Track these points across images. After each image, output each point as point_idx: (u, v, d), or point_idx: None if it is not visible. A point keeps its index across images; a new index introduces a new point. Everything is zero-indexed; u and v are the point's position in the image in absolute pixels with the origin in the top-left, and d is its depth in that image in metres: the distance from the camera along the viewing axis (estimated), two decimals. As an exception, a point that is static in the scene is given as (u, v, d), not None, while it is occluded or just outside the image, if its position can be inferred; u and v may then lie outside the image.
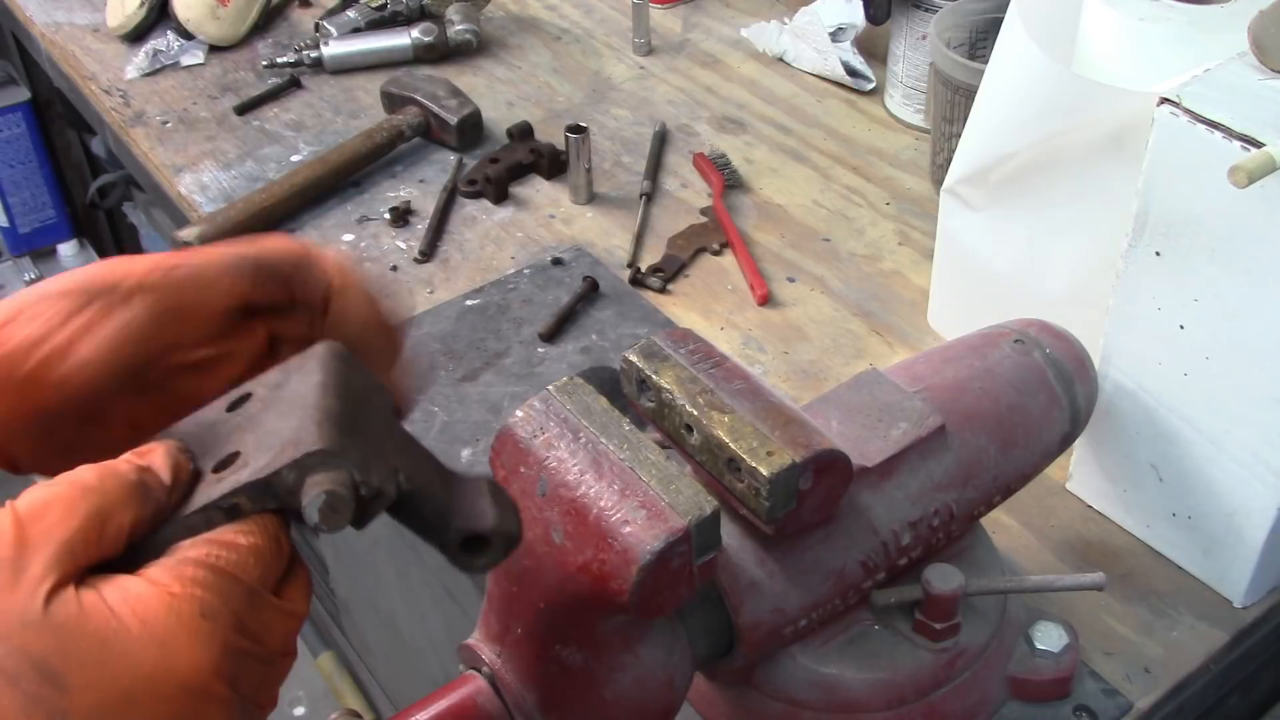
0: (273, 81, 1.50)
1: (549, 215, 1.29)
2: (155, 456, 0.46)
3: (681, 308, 1.17)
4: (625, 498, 0.61)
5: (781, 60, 1.52)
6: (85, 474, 0.43)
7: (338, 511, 0.45)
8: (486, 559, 0.52)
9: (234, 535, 0.44)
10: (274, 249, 0.53)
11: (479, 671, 0.67)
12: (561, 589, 0.63)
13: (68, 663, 0.40)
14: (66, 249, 2.60)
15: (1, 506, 0.42)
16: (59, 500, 0.42)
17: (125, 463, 0.45)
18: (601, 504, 0.61)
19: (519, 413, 0.66)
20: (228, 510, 0.45)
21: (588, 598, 0.62)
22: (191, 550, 0.43)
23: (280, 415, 0.48)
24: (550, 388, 0.67)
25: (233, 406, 0.50)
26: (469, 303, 1.17)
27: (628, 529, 0.60)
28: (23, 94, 2.41)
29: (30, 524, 0.41)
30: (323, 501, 0.45)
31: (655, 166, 1.35)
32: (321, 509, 0.45)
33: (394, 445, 0.50)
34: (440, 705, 0.65)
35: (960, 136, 1.00)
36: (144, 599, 0.41)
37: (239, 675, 0.43)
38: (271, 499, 0.46)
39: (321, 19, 1.58)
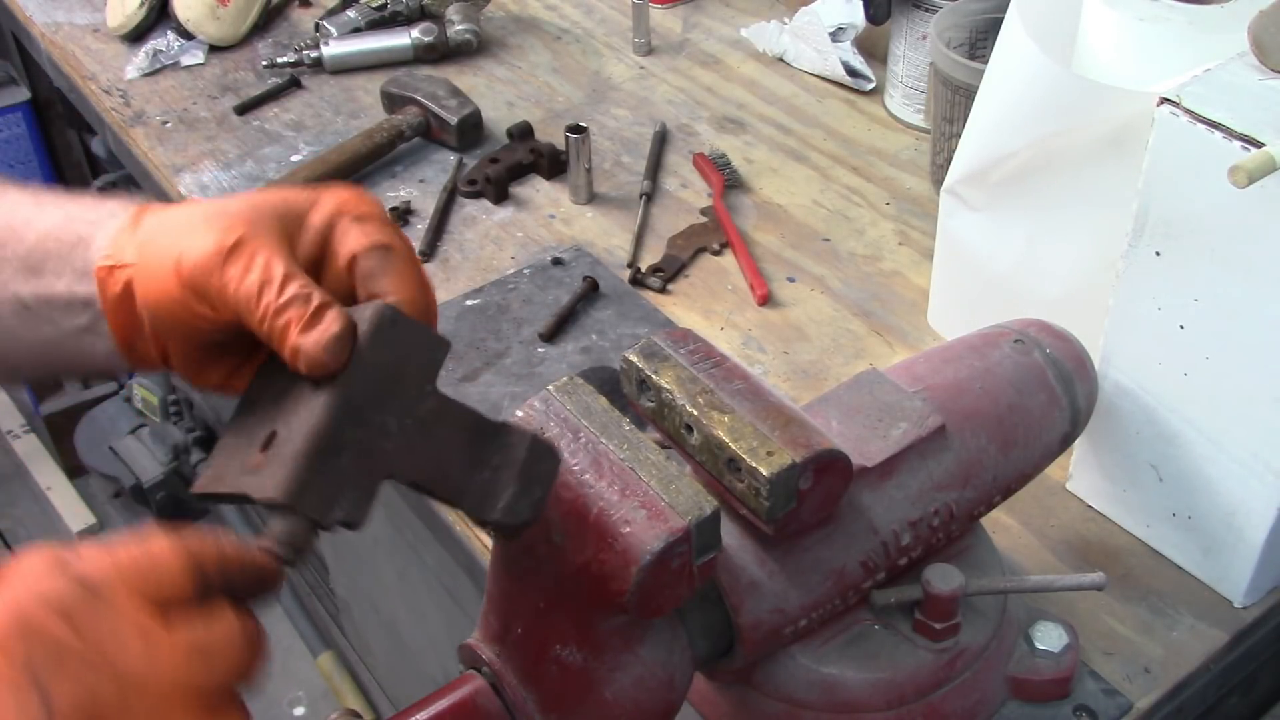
0: (273, 81, 1.50)
1: (549, 215, 1.29)
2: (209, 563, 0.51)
3: (681, 308, 1.17)
4: (625, 498, 0.61)
5: (781, 60, 1.52)
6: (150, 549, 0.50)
7: (300, 550, 0.53)
8: (501, 533, 0.57)
9: (211, 631, 0.50)
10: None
11: (479, 671, 0.67)
12: (561, 589, 0.63)
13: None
14: (66, 249, 2.60)
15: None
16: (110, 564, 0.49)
17: (178, 556, 0.50)
18: (601, 504, 0.61)
19: (519, 413, 0.66)
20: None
21: (588, 598, 0.62)
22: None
23: (283, 439, 0.55)
24: (550, 388, 0.67)
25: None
26: (469, 303, 1.17)
27: (628, 529, 0.60)
28: (23, 94, 2.41)
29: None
30: (283, 548, 0.53)
31: (655, 166, 1.35)
32: (284, 554, 0.53)
33: (408, 433, 0.55)
34: (440, 705, 0.65)
35: (960, 136, 1.00)
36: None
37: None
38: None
39: (321, 19, 1.58)
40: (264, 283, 0.57)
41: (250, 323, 0.57)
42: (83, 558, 0.48)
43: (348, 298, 0.60)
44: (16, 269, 0.64)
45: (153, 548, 0.50)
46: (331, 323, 0.56)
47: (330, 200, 0.62)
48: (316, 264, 0.61)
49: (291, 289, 0.57)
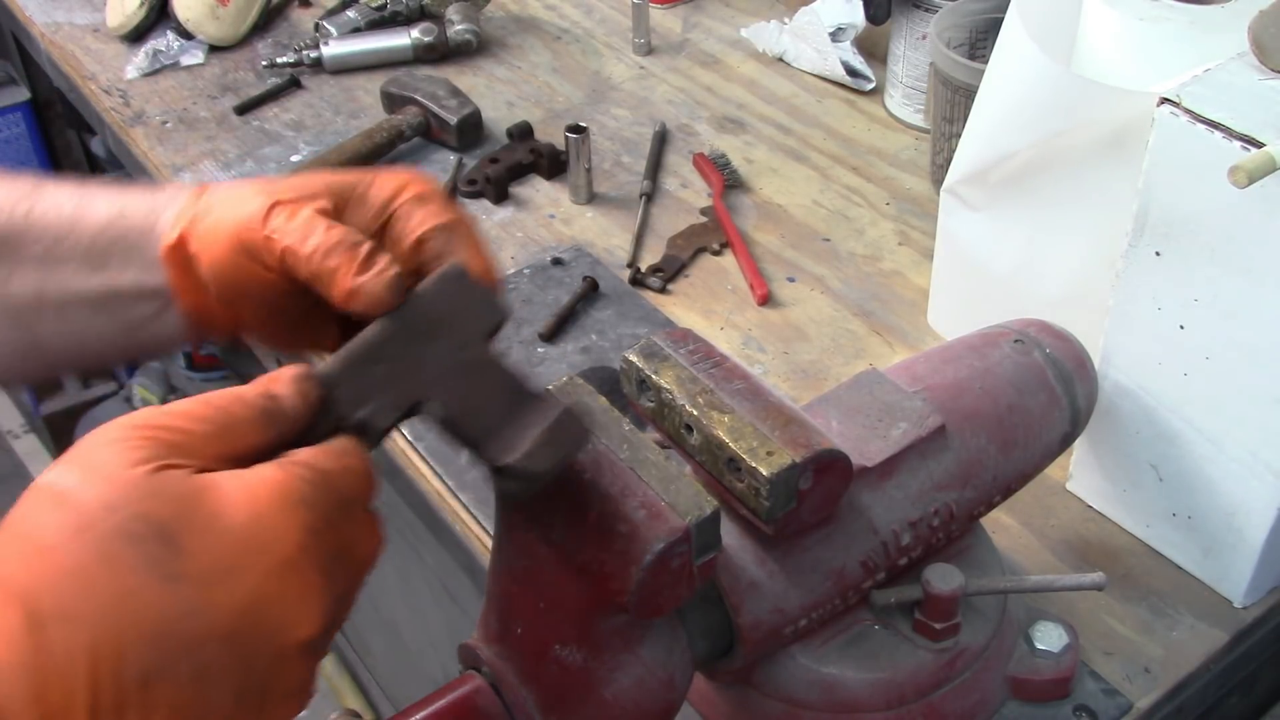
0: (273, 81, 1.50)
1: (549, 215, 1.29)
2: (281, 385, 0.52)
3: (681, 308, 1.17)
4: (625, 498, 0.61)
5: (781, 60, 1.52)
6: (216, 397, 0.50)
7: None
8: (512, 486, 0.57)
9: (338, 448, 0.51)
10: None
11: (479, 671, 0.67)
12: (561, 589, 0.63)
13: (183, 529, 0.45)
14: (66, 249, 2.60)
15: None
16: (185, 412, 0.49)
17: (253, 390, 0.51)
18: (601, 504, 0.61)
19: None
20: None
21: (588, 598, 0.62)
22: (300, 454, 0.49)
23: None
24: (550, 387, 0.67)
25: None
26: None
27: (627, 529, 0.60)
28: (23, 94, 2.41)
29: (156, 420, 0.48)
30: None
31: (655, 166, 1.35)
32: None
33: (448, 372, 0.58)
34: (440, 705, 0.65)
35: (960, 136, 1.00)
36: (252, 484, 0.47)
37: (330, 570, 0.48)
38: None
39: (321, 19, 1.58)
40: (308, 230, 0.58)
41: (298, 270, 0.58)
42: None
43: (412, 276, 0.61)
44: (79, 265, 0.64)
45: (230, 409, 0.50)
46: (387, 265, 0.57)
47: (390, 180, 0.63)
48: (375, 239, 0.62)
49: (337, 233, 0.57)
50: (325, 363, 0.56)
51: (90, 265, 0.64)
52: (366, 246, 0.57)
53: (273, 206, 0.59)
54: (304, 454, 0.50)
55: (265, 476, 0.48)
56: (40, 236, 0.64)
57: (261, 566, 0.46)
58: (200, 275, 0.62)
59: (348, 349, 0.57)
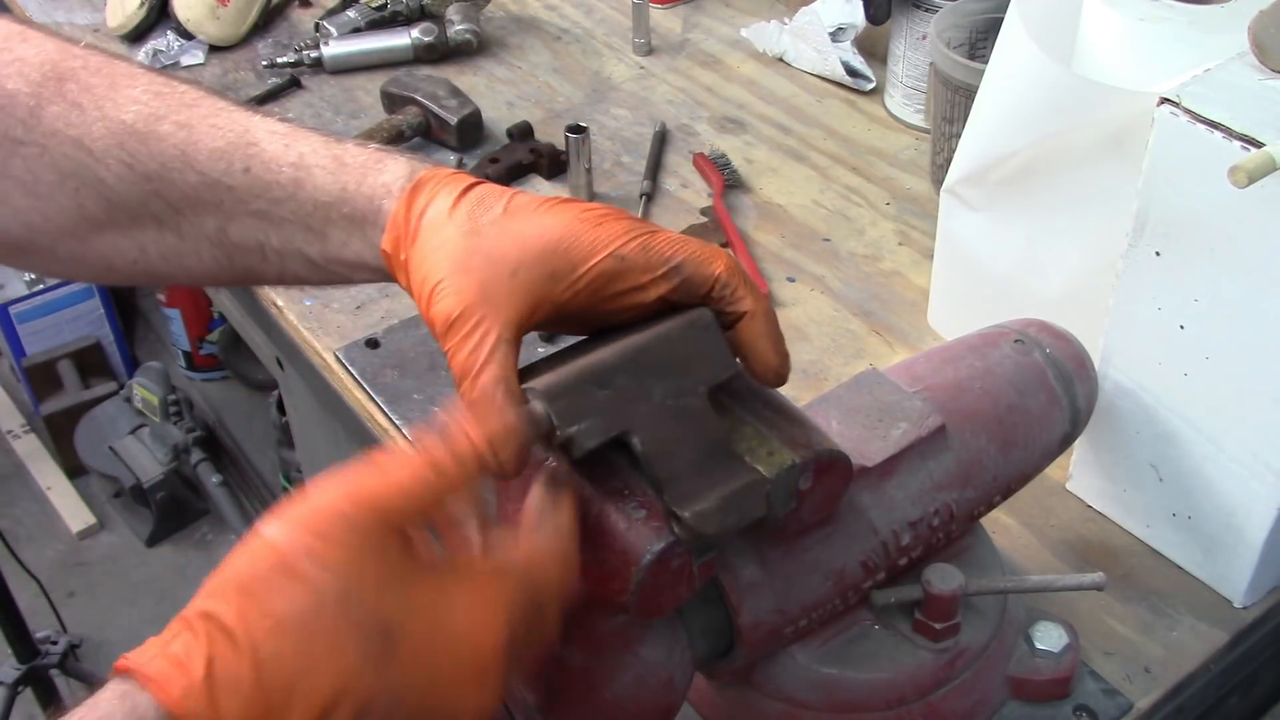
0: (273, 81, 1.50)
1: (549, 215, 1.29)
2: (503, 450, 0.56)
3: (681, 308, 1.17)
4: (625, 498, 0.61)
5: (781, 60, 1.52)
6: (439, 461, 0.54)
7: (524, 436, 0.57)
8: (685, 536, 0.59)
9: (549, 550, 0.56)
10: (701, 273, 0.65)
11: (479, 671, 0.67)
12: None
13: (404, 635, 0.50)
14: (66, 249, 2.60)
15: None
16: (405, 488, 0.52)
17: (468, 452, 0.55)
18: (601, 504, 0.61)
19: None
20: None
21: (588, 598, 0.62)
22: (518, 557, 0.55)
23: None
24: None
25: None
26: None
27: (627, 529, 0.60)
28: (23, 94, 2.41)
29: (381, 493, 0.52)
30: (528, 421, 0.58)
31: (655, 166, 1.35)
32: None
33: (662, 411, 0.60)
34: (440, 705, 0.65)
35: (960, 136, 1.00)
36: (473, 602, 0.53)
37: (513, 657, 0.55)
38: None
39: (321, 19, 1.58)
40: (465, 370, 0.60)
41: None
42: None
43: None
44: (299, 228, 0.68)
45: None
46: (510, 448, 0.58)
47: (712, 261, 0.65)
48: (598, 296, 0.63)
49: (477, 390, 0.59)
50: (549, 373, 0.59)
51: (312, 232, 0.68)
52: (505, 414, 0.58)
53: (455, 322, 0.61)
54: (522, 557, 0.55)
55: (486, 590, 0.53)
56: (260, 194, 0.68)
57: (462, 674, 0.52)
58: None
59: (579, 366, 0.60)
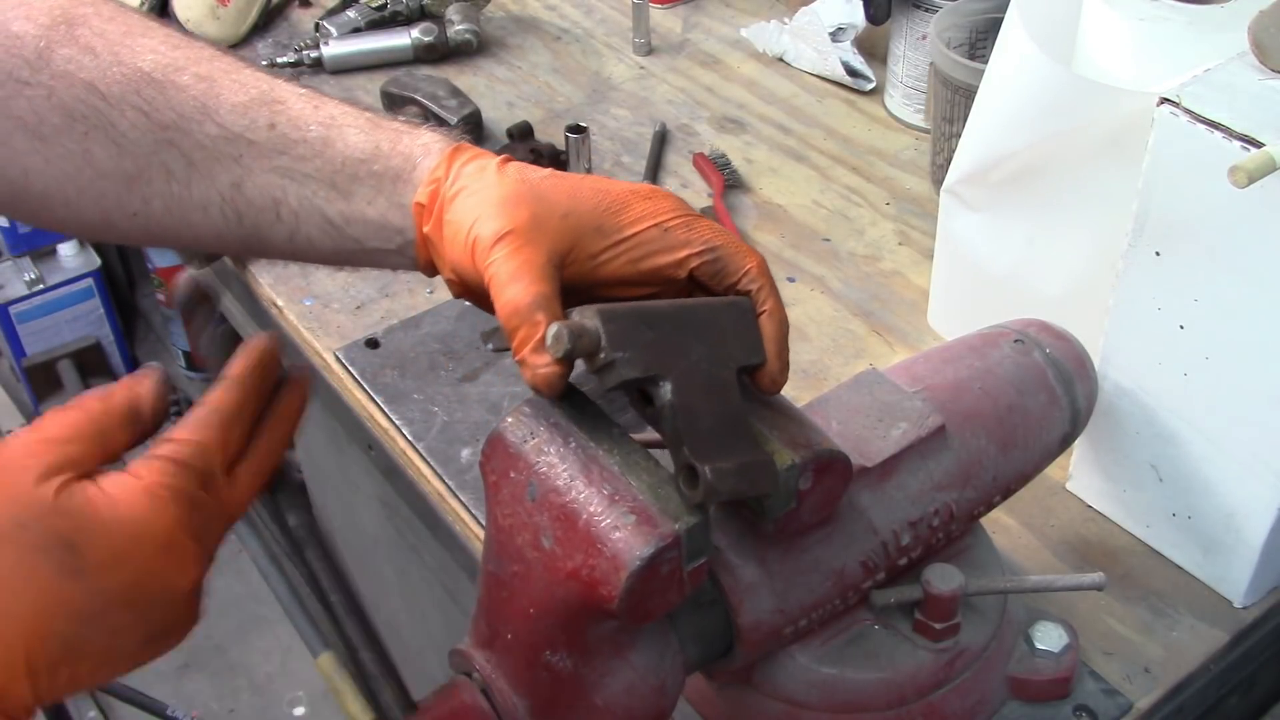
0: (273, 81, 1.50)
1: (549, 215, 1.29)
2: (144, 389, 0.59)
3: (681, 308, 1.17)
4: (615, 503, 0.60)
5: (781, 60, 1.52)
6: (92, 405, 0.57)
7: (559, 341, 0.58)
8: (693, 495, 0.60)
9: (186, 435, 0.58)
10: (735, 262, 0.67)
11: (469, 677, 0.67)
12: (551, 595, 0.63)
13: (81, 536, 0.53)
14: (66, 249, 2.61)
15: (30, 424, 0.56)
16: (72, 425, 0.56)
17: (120, 396, 0.58)
18: (591, 509, 0.61)
19: (509, 418, 0.65)
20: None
21: (577, 604, 0.62)
22: (160, 449, 0.57)
23: None
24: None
25: None
26: (469, 303, 1.17)
27: (617, 534, 0.60)
28: (23, 94, 2.41)
29: (51, 436, 0.55)
30: (558, 328, 0.58)
31: (655, 166, 1.35)
32: (555, 332, 0.59)
33: (696, 372, 0.62)
34: (431, 711, 0.65)
35: (960, 136, 1.00)
36: (126, 484, 0.55)
37: (202, 531, 0.57)
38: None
39: (321, 19, 1.58)
40: (509, 279, 0.62)
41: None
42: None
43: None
44: (321, 185, 0.68)
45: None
46: (550, 364, 0.61)
47: (743, 258, 0.67)
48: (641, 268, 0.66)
49: (528, 297, 0.61)
50: (611, 305, 0.61)
51: (335, 189, 0.68)
52: (543, 328, 0.60)
53: (496, 242, 0.62)
54: (164, 449, 0.57)
55: (134, 478, 0.56)
56: (285, 150, 0.68)
57: (144, 550, 0.55)
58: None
59: (631, 306, 0.62)
